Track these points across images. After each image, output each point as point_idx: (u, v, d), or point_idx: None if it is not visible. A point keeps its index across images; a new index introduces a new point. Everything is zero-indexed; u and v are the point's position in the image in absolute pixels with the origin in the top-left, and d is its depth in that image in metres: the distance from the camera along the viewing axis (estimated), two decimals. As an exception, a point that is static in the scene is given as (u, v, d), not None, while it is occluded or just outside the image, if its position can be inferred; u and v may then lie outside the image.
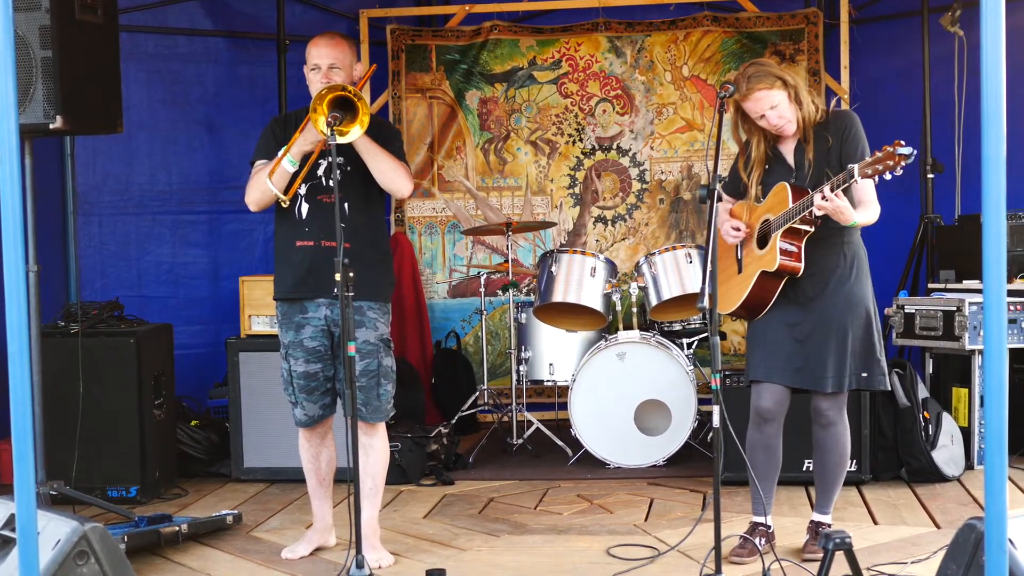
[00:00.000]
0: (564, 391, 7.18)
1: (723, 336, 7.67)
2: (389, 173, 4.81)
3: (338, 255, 4.30)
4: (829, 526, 4.90)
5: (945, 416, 6.25)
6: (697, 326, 7.13)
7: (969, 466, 6.31)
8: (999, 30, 2.43)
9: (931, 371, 6.78)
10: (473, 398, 7.57)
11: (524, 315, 7.35)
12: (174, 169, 8.07)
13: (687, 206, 8.28)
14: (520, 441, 7.15)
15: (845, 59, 8.07)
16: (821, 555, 3.76)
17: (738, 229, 4.79)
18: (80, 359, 5.85)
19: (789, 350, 4.74)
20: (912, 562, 4.69)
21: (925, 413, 6.16)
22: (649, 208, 8.37)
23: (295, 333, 4.93)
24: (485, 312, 7.63)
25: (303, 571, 4.92)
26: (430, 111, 8.45)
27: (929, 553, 4.75)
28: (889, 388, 4.99)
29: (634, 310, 6.93)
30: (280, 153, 4.77)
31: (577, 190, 8.42)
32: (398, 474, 6.30)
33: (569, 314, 7.07)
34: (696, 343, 7.14)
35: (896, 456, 6.17)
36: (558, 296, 6.89)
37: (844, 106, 7.81)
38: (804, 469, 5.75)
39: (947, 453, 6.14)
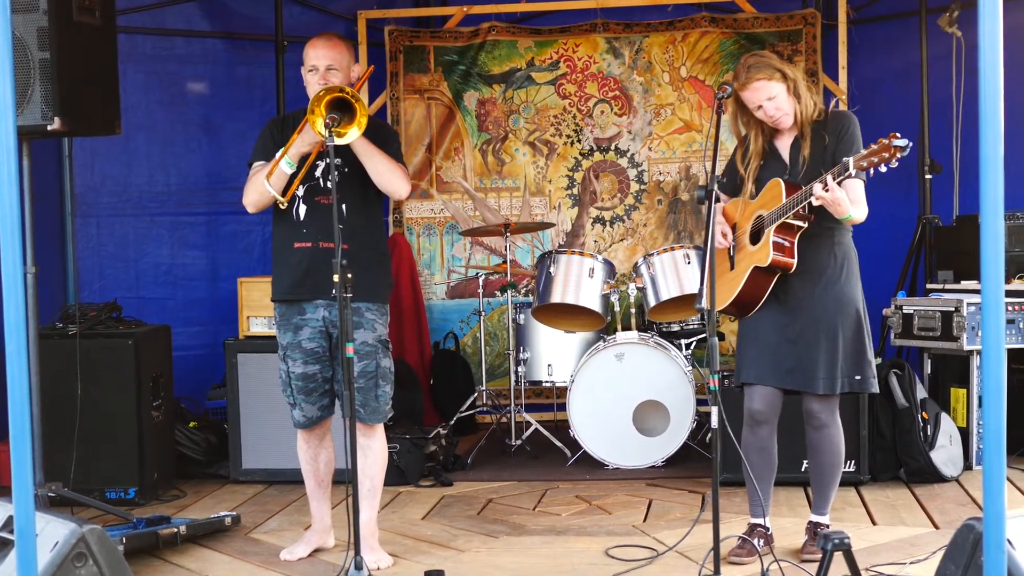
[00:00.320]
0: (563, 392, 7.19)
1: (721, 337, 7.68)
2: (387, 175, 4.81)
3: (336, 256, 4.29)
4: (827, 527, 4.90)
5: (944, 416, 6.26)
6: (695, 327, 7.13)
7: (967, 466, 6.32)
8: (997, 30, 2.43)
9: (929, 371, 6.78)
10: (471, 399, 7.57)
11: (522, 316, 7.35)
12: (172, 170, 8.08)
13: (685, 207, 8.29)
14: (519, 442, 7.15)
15: (843, 60, 8.08)
16: (820, 556, 3.75)
17: (724, 235, 4.78)
18: (78, 360, 5.85)
19: (780, 351, 4.74)
20: (911, 562, 4.69)
21: (923, 413, 6.16)
22: (647, 209, 8.37)
23: (293, 334, 4.93)
24: (483, 313, 7.63)
25: (302, 572, 4.92)
26: (428, 112, 8.45)
27: (928, 553, 4.75)
28: (878, 390, 4.99)
29: (632, 311, 6.94)
30: (278, 155, 4.77)
31: (575, 191, 8.42)
32: (396, 475, 6.30)
33: (567, 315, 7.07)
34: (694, 344, 7.14)
35: (895, 456, 6.17)
36: (556, 297, 6.89)
37: (843, 107, 7.85)
38: (802, 470, 5.74)
39: (945, 453, 6.14)
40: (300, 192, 4.86)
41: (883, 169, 4.33)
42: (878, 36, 8.21)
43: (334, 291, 4.37)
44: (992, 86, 2.42)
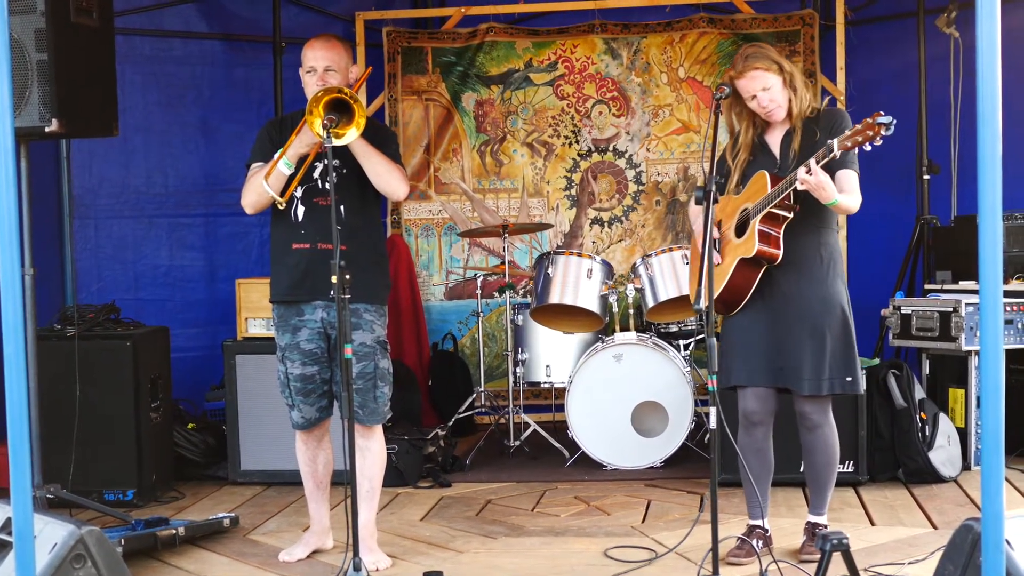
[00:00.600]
0: (561, 393, 7.19)
1: (719, 337, 7.67)
2: (385, 176, 4.81)
3: (334, 257, 4.29)
4: (825, 527, 4.90)
5: (942, 417, 6.26)
6: (694, 327, 7.13)
7: (966, 467, 6.32)
8: (995, 31, 2.43)
9: (927, 372, 6.78)
10: (470, 400, 7.57)
11: (521, 317, 7.35)
12: (170, 172, 8.08)
13: (683, 208, 8.28)
14: (517, 443, 7.15)
15: (841, 60, 8.08)
16: (818, 556, 3.75)
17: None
18: (76, 362, 5.85)
19: (767, 351, 4.73)
20: (909, 563, 4.69)
21: (922, 414, 6.16)
22: (645, 210, 8.37)
23: (291, 335, 4.92)
24: (482, 314, 7.63)
25: (300, 574, 4.91)
26: (426, 113, 8.45)
27: (926, 554, 4.76)
28: (863, 392, 4.99)
29: (631, 312, 6.94)
30: (276, 156, 4.77)
31: (573, 192, 8.42)
32: (395, 476, 6.30)
33: (566, 316, 7.07)
34: (693, 344, 7.14)
35: (893, 457, 6.17)
36: (555, 298, 6.89)
37: (840, 108, 7.85)
38: (800, 471, 5.73)
39: (944, 454, 6.14)
40: (298, 193, 4.86)
41: (868, 148, 4.33)
42: (876, 37, 8.22)
43: (332, 292, 4.37)
44: (990, 87, 2.42)
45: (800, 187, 4.43)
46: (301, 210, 4.87)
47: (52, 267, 7.35)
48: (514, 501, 6.10)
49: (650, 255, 6.93)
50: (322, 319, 4.89)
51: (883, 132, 4.29)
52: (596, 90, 8.37)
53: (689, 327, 7.15)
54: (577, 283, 6.89)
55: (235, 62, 8.30)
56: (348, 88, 4.67)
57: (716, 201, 4.41)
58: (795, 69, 4.76)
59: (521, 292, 8.33)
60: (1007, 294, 6.33)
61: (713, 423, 4.16)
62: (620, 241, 8.40)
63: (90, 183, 7.75)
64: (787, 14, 8.23)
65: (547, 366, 7.32)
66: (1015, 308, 6.33)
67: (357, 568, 4.35)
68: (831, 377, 4.68)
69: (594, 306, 6.89)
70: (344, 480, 4.47)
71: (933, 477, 6.10)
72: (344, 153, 4.72)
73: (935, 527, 5.30)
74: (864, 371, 5.95)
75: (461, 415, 7.50)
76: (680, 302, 6.79)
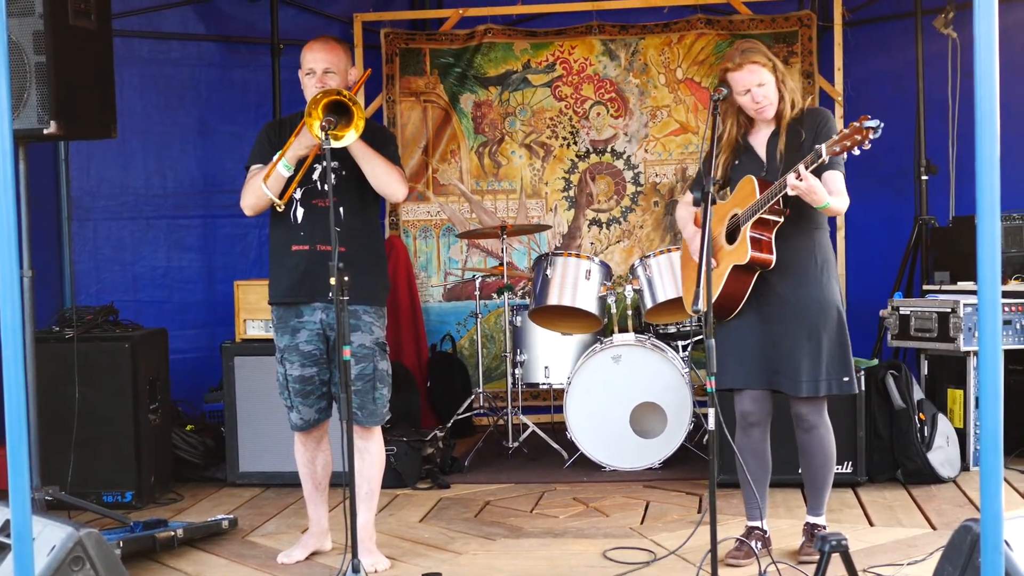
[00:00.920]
0: (559, 394, 7.18)
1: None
2: (384, 177, 4.81)
3: (333, 259, 4.29)
4: (824, 528, 4.90)
5: (940, 418, 6.26)
6: (692, 328, 7.13)
7: (965, 467, 6.32)
8: (992, 31, 2.43)
9: (926, 373, 6.78)
10: (468, 401, 7.57)
11: (519, 318, 7.35)
12: (168, 173, 8.08)
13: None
14: (516, 444, 7.15)
15: (839, 61, 8.09)
16: (817, 557, 3.76)
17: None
18: (75, 364, 5.85)
19: (763, 354, 4.73)
20: (908, 564, 4.69)
21: (920, 415, 6.16)
22: (643, 211, 8.37)
23: (291, 337, 4.92)
24: (480, 315, 7.63)
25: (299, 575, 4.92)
26: (424, 115, 8.46)
27: (925, 555, 4.76)
28: (858, 392, 4.99)
29: (629, 313, 6.94)
30: (275, 157, 4.77)
31: (571, 193, 8.42)
32: (394, 478, 6.30)
33: (564, 317, 7.07)
34: (691, 345, 7.14)
35: (892, 458, 6.17)
36: (553, 299, 6.89)
37: (838, 109, 7.86)
38: (799, 472, 5.74)
39: (943, 454, 6.14)
40: (297, 195, 4.86)
41: (856, 152, 4.34)
42: (874, 37, 8.22)
43: (331, 294, 4.37)
44: (988, 87, 2.42)
45: (791, 192, 4.43)
46: (300, 212, 4.87)
47: (51, 269, 7.34)
48: (513, 502, 6.10)
49: (648, 256, 6.93)
50: (321, 320, 4.89)
51: (871, 136, 4.29)
52: (594, 91, 8.37)
53: (687, 328, 7.15)
54: (575, 284, 6.89)
55: (233, 64, 8.29)
56: (347, 90, 4.67)
57: (715, 202, 4.41)
58: (787, 70, 4.76)
59: (519, 293, 8.33)
60: (1005, 294, 6.33)
61: (712, 424, 4.16)
62: (618, 242, 8.40)
63: (88, 185, 7.75)
64: (785, 15, 8.23)
65: (546, 367, 7.32)
66: (1013, 308, 6.33)
67: (356, 570, 4.35)
68: (828, 378, 4.68)
69: (592, 307, 6.89)
70: (343, 482, 4.47)
71: (932, 478, 6.10)
72: (343, 155, 4.72)
73: (934, 528, 5.30)
74: (862, 372, 5.96)
75: (460, 416, 7.50)
76: (679, 303, 6.77)
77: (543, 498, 6.18)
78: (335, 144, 4.48)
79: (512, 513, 5.88)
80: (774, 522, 5.29)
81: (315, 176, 4.86)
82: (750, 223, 4.59)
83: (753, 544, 4.82)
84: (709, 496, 4.19)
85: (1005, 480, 5.93)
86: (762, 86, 4.65)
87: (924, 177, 7.69)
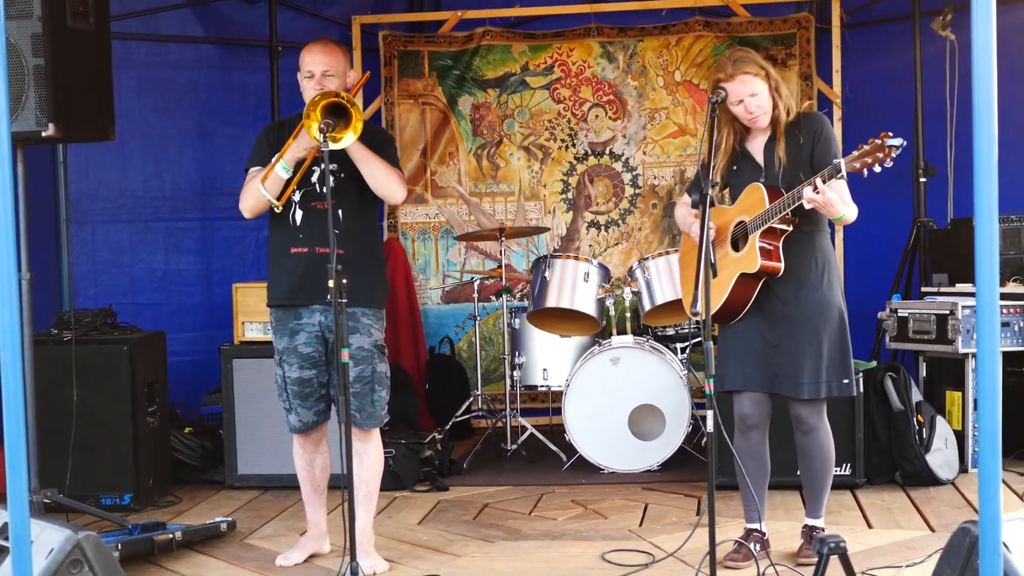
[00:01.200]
0: (558, 396, 7.18)
1: (716, 341, 7.67)
2: (382, 179, 4.82)
3: (331, 261, 4.29)
4: (823, 530, 4.90)
5: (939, 419, 6.26)
6: (690, 331, 7.13)
7: (963, 469, 6.31)
8: (990, 33, 2.43)
9: (924, 375, 6.78)
10: (467, 404, 7.56)
11: (518, 320, 7.35)
12: (166, 176, 8.07)
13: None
14: (514, 447, 7.15)
15: (837, 63, 8.10)
16: (816, 559, 3.76)
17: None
18: (73, 367, 5.85)
19: (763, 357, 4.73)
20: (907, 565, 4.69)
21: (919, 417, 6.16)
22: (642, 213, 8.37)
23: (289, 339, 4.92)
24: (479, 318, 7.62)
25: (298, 578, 4.93)
26: (423, 117, 8.46)
27: (924, 556, 4.75)
28: (857, 394, 4.99)
29: (627, 315, 6.94)
30: (274, 159, 4.77)
31: (570, 195, 8.42)
32: (392, 480, 6.30)
33: (563, 319, 7.07)
34: (690, 348, 7.14)
35: (890, 460, 6.17)
36: (551, 301, 6.89)
37: (836, 111, 7.86)
38: (797, 474, 5.74)
39: (941, 456, 6.14)
40: (296, 197, 4.86)
41: (877, 169, 4.32)
42: (872, 40, 8.23)
43: (330, 296, 4.36)
44: (986, 89, 2.42)
45: (807, 205, 4.42)
46: (299, 214, 4.87)
47: (49, 271, 7.34)
48: (511, 505, 6.10)
49: (647, 258, 6.93)
50: (320, 323, 4.89)
51: (893, 155, 4.28)
52: (592, 93, 8.38)
53: (686, 330, 7.14)
54: (574, 286, 6.89)
55: (231, 66, 8.29)
56: (345, 92, 4.67)
57: (713, 204, 4.41)
58: (780, 76, 4.75)
59: (518, 295, 8.33)
60: (1004, 296, 6.33)
61: (710, 426, 4.16)
62: (617, 244, 8.40)
63: (87, 187, 7.75)
64: (783, 17, 8.24)
65: (544, 369, 7.32)
66: (1012, 310, 6.33)
67: (354, 572, 4.35)
68: (828, 380, 4.68)
69: (591, 309, 6.89)
70: (341, 484, 4.47)
71: (930, 480, 6.10)
72: (342, 157, 4.73)
73: (932, 530, 5.30)
74: (861, 374, 5.96)
75: (458, 419, 7.50)
76: (677, 305, 6.78)
77: (542, 500, 6.18)
78: (333, 146, 4.48)
79: (511, 515, 5.87)
80: (773, 524, 5.28)
81: (314, 178, 4.86)
82: (759, 232, 4.58)
83: (752, 546, 4.82)
84: (708, 498, 4.19)
85: (1003, 482, 5.89)
86: (755, 96, 4.65)
87: (922, 179, 7.70)
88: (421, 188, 8.46)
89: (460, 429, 7.62)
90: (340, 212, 4.79)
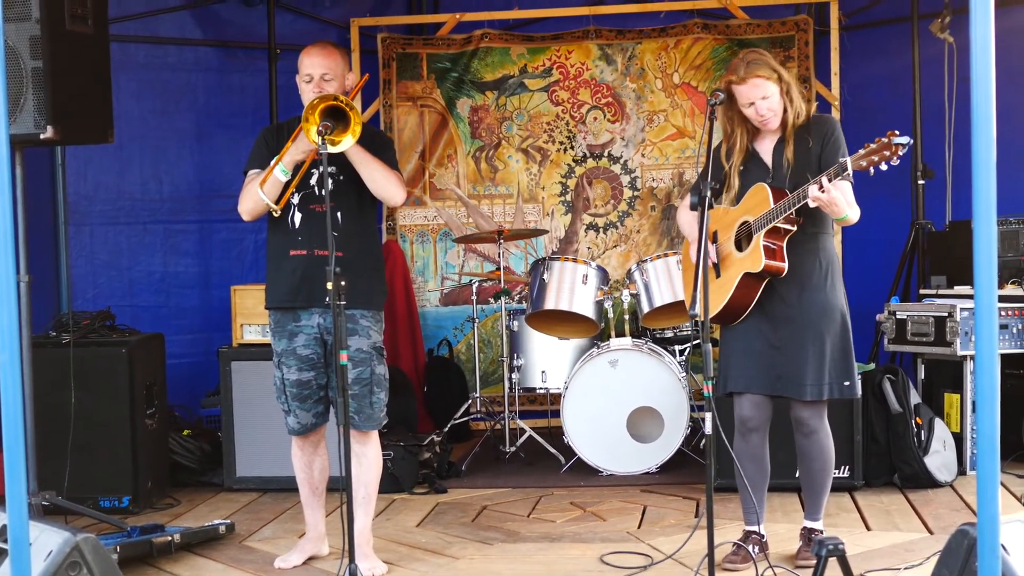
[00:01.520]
0: (556, 399, 7.18)
1: (715, 343, 7.68)
2: (382, 181, 4.82)
3: (330, 264, 4.29)
4: (821, 532, 4.89)
5: (937, 422, 6.26)
6: (689, 333, 7.13)
7: (961, 472, 6.31)
8: (988, 35, 2.43)
9: (923, 377, 6.78)
10: (465, 406, 7.57)
11: (516, 323, 7.34)
12: (165, 178, 8.07)
13: (676, 213, 8.28)
14: (513, 449, 7.15)
15: (835, 65, 8.10)
16: (814, 561, 3.76)
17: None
18: (72, 369, 5.84)
19: (766, 359, 4.73)
20: (905, 568, 4.70)
21: (917, 419, 6.16)
22: (640, 215, 8.38)
23: (288, 341, 4.92)
24: (477, 320, 7.62)
25: (296, 580, 4.93)
26: (421, 119, 8.46)
27: (922, 559, 4.75)
28: (858, 396, 5.00)
29: (626, 317, 6.94)
30: (272, 162, 4.77)
31: (568, 197, 8.42)
32: (391, 483, 6.30)
33: (561, 321, 7.07)
34: (688, 350, 7.14)
35: (889, 462, 6.17)
36: (550, 304, 6.89)
37: (835, 113, 7.87)
38: (796, 476, 5.73)
39: (939, 459, 6.14)
40: (295, 200, 4.86)
41: (883, 167, 4.32)
42: (870, 42, 8.23)
43: (328, 298, 4.36)
44: (984, 91, 2.43)
45: (812, 204, 4.42)
46: (298, 217, 4.87)
47: (47, 274, 7.35)
48: (510, 507, 6.10)
49: (645, 261, 6.93)
50: (319, 325, 4.89)
51: (899, 153, 4.28)
52: (591, 96, 8.38)
53: (684, 332, 7.14)
54: (572, 289, 6.89)
55: (230, 69, 8.30)
56: (344, 95, 4.67)
57: (711, 207, 4.41)
58: (792, 79, 4.76)
59: (516, 298, 8.33)
60: (1002, 299, 6.33)
61: (709, 428, 4.16)
62: (615, 247, 8.40)
63: (85, 190, 7.75)
64: (781, 19, 8.24)
65: (543, 372, 7.32)
66: (1010, 313, 6.33)
67: (353, 574, 4.35)
68: (830, 382, 4.68)
69: (589, 312, 6.89)
70: (340, 486, 4.47)
71: (929, 482, 6.10)
72: (340, 160, 4.73)
73: (931, 532, 5.30)
74: (859, 376, 5.96)
75: (457, 421, 7.50)
76: (675, 307, 6.79)
77: (540, 502, 6.18)
78: (332, 149, 4.48)
79: (509, 517, 5.87)
80: (771, 526, 5.28)
81: (313, 181, 4.86)
82: (763, 231, 4.58)
83: (750, 548, 4.82)
84: (706, 500, 4.19)
85: (1002, 484, 5.91)
86: (766, 99, 4.65)
87: (921, 181, 7.70)
88: (419, 190, 8.46)
89: (458, 431, 7.62)
90: (339, 215, 4.79)
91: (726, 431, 4.66)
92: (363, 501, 4.94)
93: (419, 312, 8.38)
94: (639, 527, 5.62)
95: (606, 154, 8.39)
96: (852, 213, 4.56)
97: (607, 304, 6.94)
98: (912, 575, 4.62)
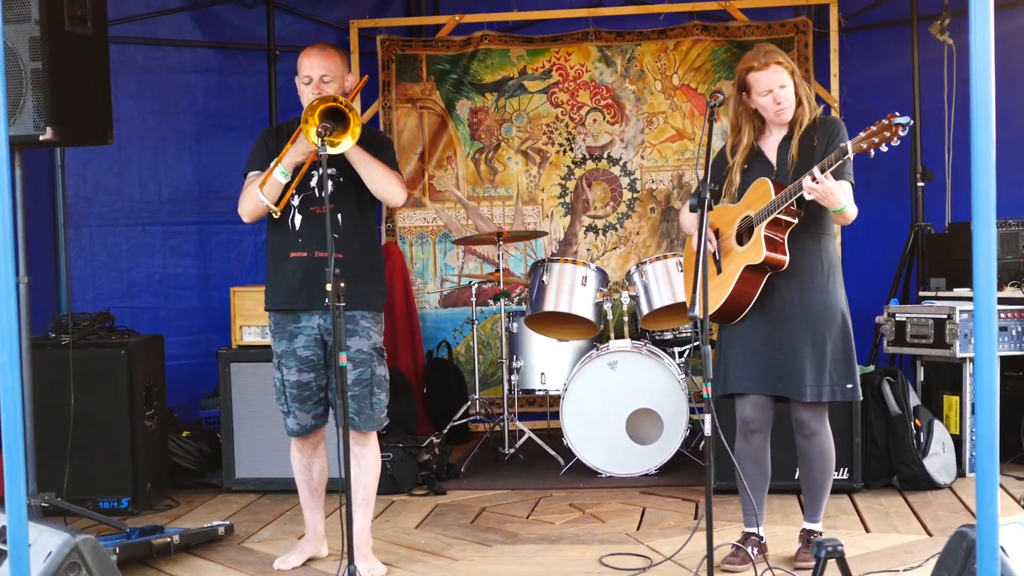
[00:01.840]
0: (556, 400, 7.18)
1: (714, 345, 7.68)
2: (382, 182, 4.82)
3: (329, 265, 4.29)
4: (820, 534, 4.89)
5: (936, 424, 6.26)
6: (688, 335, 7.13)
7: (961, 474, 6.31)
8: (988, 38, 2.43)
9: (922, 379, 6.78)
10: (465, 408, 7.56)
11: (515, 324, 7.35)
12: (164, 180, 8.07)
13: (678, 215, 8.28)
14: (512, 451, 7.15)
15: (835, 67, 8.10)
16: (813, 563, 3.76)
17: (709, 241, 4.75)
18: (71, 370, 5.84)
19: (767, 360, 4.72)
20: (904, 570, 4.69)
21: (916, 421, 6.16)
22: (640, 217, 8.38)
23: (288, 342, 4.92)
24: (476, 322, 7.62)
25: (295, 582, 4.93)
26: (420, 121, 8.46)
27: (921, 561, 4.75)
28: (861, 398, 5.00)
29: (625, 319, 6.94)
30: (272, 164, 4.77)
31: (568, 199, 8.43)
32: (390, 484, 6.30)
33: (560, 323, 7.07)
34: (688, 352, 7.14)
35: (888, 464, 6.17)
36: (549, 305, 6.89)
37: (834, 115, 7.86)
38: (795, 478, 5.73)
39: (939, 461, 6.14)
40: (295, 202, 4.86)
41: (884, 149, 4.33)
42: (870, 44, 8.23)
43: (328, 300, 4.36)
44: (984, 93, 2.43)
45: (807, 196, 4.43)
46: (298, 219, 4.87)
47: (47, 275, 7.34)
48: (509, 509, 6.10)
49: (645, 262, 6.93)
50: (319, 326, 4.89)
51: (900, 133, 4.29)
52: (590, 98, 8.38)
53: (684, 334, 7.15)
54: (572, 291, 6.89)
55: (229, 70, 8.30)
56: (343, 97, 4.67)
57: (711, 208, 4.41)
58: (802, 78, 4.78)
59: (516, 300, 8.33)
60: (1001, 301, 6.34)
61: (708, 430, 4.16)
62: (615, 248, 8.40)
63: (84, 191, 7.75)
64: (781, 21, 8.24)
65: (542, 373, 7.32)
66: (1009, 315, 6.33)
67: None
68: (832, 384, 4.68)
69: (589, 313, 6.89)
70: (339, 488, 4.47)
71: (928, 484, 6.10)
72: (340, 161, 4.73)
73: (930, 534, 5.30)
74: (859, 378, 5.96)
75: (456, 423, 7.50)
76: (675, 309, 6.79)
77: (539, 504, 6.18)
78: (331, 151, 4.48)
79: (508, 519, 5.87)
80: (771, 528, 5.28)
81: (312, 183, 4.86)
82: (764, 223, 4.58)
83: (750, 550, 4.82)
84: (705, 502, 4.19)
85: (1001, 486, 5.90)
86: (784, 87, 4.66)
87: (920, 184, 7.70)
88: (419, 192, 8.46)
89: (458, 433, 7.62)
90: (339, 216, 4.80)
91: (726, 433, 4.66)
92: (362, 502, 4.94)
93: (418, 314, 8.38)
94: (638, 529, 5.62)
95: (605, 156, 8.39)
96: (850, 207, 4.55)
97: (606, 306, 6.94)
98: (911, 577, 4.63)
